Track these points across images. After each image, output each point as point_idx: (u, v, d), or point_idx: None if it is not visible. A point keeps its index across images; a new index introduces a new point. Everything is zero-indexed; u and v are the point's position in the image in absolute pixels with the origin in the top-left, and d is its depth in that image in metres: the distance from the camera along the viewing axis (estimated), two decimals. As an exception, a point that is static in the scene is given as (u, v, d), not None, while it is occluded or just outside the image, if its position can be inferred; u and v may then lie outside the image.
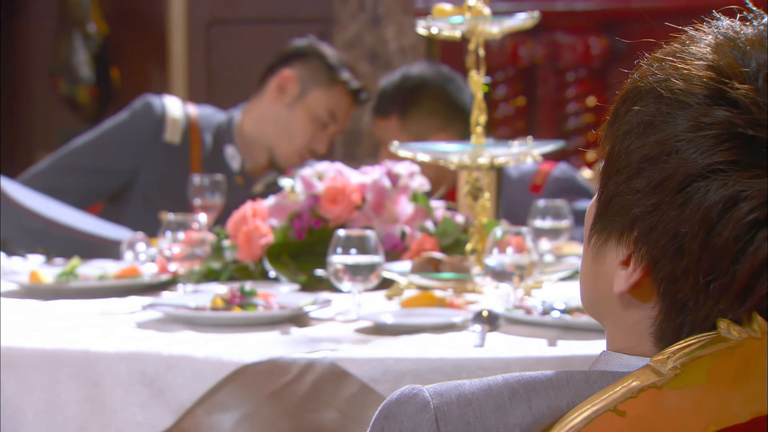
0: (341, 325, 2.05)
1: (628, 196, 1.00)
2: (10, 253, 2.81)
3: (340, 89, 3.14)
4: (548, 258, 2.58)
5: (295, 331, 2.01)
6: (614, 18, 4.62)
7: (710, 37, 1.02)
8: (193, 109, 3.21)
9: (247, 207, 2.51)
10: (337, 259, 2.10)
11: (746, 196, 0.96)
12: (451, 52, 4.44)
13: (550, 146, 2.36)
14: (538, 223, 2.67)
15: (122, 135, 3.13)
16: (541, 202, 2.69)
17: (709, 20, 1.04)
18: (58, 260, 2.75)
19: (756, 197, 0.95)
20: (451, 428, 0.99)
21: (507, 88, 4.72)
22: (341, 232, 2.11)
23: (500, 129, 4.61)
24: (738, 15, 1.03)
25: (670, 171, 0.98)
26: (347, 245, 2.10)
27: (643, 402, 0.97)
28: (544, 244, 2.65)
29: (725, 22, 1.03)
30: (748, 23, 1.02)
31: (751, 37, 1.00)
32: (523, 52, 4.68)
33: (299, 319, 2.08)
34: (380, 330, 2.00)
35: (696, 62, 1.00)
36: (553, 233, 2.67)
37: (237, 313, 2.05)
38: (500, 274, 2.13)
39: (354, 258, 2.09)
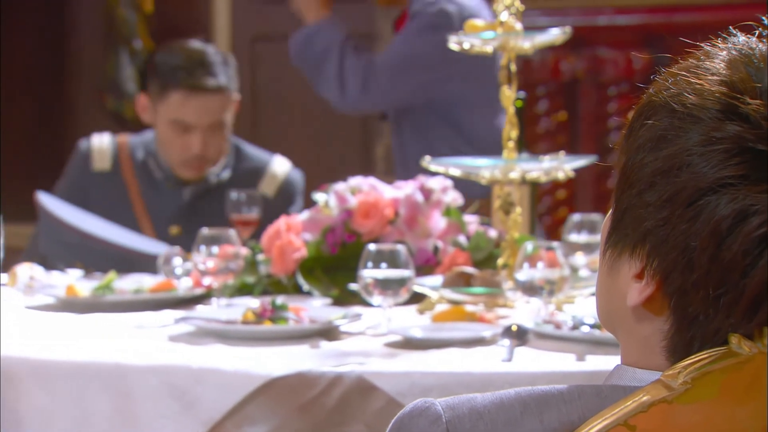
0: (371, 339, 2.06)
1: (640, 209, 1.01)
2: (49, 267, 2.84)
3: (172, 93, 3.14)
4: (583, 272, 2.58)
5: (324, 344, 2.02)
6: (656, 32, 4.60)
7: (725, 52, 1.02)
8: (125, 137, 3.30)
9: (281, 221, 2.53)
10: (368, 274, 2.11)
11: (756, 210, 0.96)
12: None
13: (581, 161, 2.36)
14: (573, 237, 2.66)
15: (62, 185, 3.24)
16: (576, 216, 2.68)
17: (726, 36, 1.04)
18: (96, 274, 2.78)
19: (765, 212, 0.96)
20: (463, 441, 1.00)
21: (548, 102, 4.71)
22: (372, 247, 2.12)
23: (541, 144, 4.60)
24: (755, 32, 1.03)
25: (681, 185, 0.98)
26: (378, 259, 2.11)
27: (654, 417, 0.97)
28: (580, 258, 2.64)
29: (741, 38, 1.03)
30: (764, 39, 1.02)
31: (765, 53, 1.00)
32: (564, 66, 4.68)
33: (329, 332, 2.09)
34: (409, 344, 2.00)
35: (709, 77, 1.00)
36: (589, 247, 2.66)
37: (267, 326, 2.07)
38: (530, 289, 2.13)
39: (384, 272, 2.10)
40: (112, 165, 3.21)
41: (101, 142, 3.23)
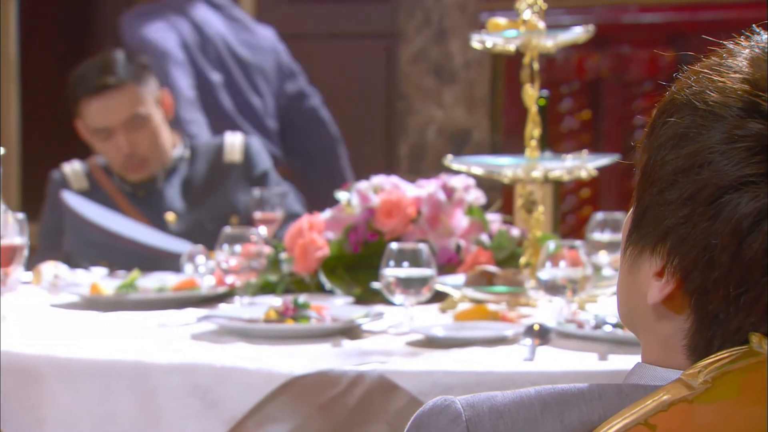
0: (393, 338, 2.06)
1: (661, 207, 1.00)
2: (74, 265, 2.86)
3: (82, 104, 3.20)
4: (606, 271, 2.57)
5: (346, 343, 2.02)
6: (681, 30, 4.58)
7: (747, 50, 1.02)
8: (93, 158, 3.36)
9: (304, 220, 2.53)
10: (390, 272, 2.11)
11: None
12: (517, 65, 4.44)
13: (603, 160, 2.35)
14: (597, 235, 2.66)
15: (47, 215, 3.26)
16: (600, 215, 2.68)
17: (749, 34, 1.04)
18: (120, 272, 2.79)
19: (787, 210, 0.95)
20: (483, 440, 0.99)
21: (572, 101, 4.70)
22: (394, 245, 2.12)
23: (565, 142, 4.59)
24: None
25: (703, 183, 0.98)
26: (400, 258, 2.11)
27: (674, 416, 0.97)
28: (603, 257, 2.63)
29: (764, 36, 1.02)
30: None
31: None
32: (588, 65, 4.66)
33: (351, 331, 2.09)
34: (431, 343, 2.00)
35: (732, 75, 1.00)
36: (612, 246, 2.65)
37: (289, 325, 2.07)
38: (553, 288, 2.12)
39: (406, 271, 2.10)
40: (89, 183, 3.26)
41: (72, 166, 3.30)
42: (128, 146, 3.17)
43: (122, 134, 3.17)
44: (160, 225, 3.18)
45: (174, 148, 3.30)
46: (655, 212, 1.01)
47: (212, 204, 3.24)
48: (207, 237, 2.73)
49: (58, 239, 3.13)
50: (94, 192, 3.25)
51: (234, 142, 3.31)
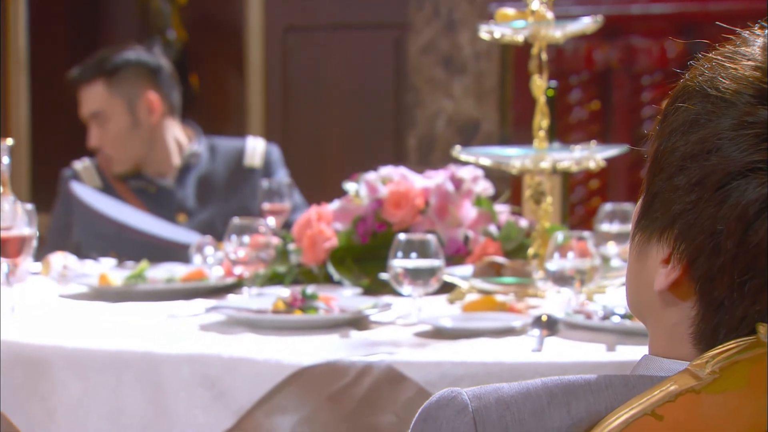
0: (401, 329, 2.06)
1: (669, 193, 1.01)
2: (83, 256, 2.86)
3: None
4: (615, 262, 2.57)
5: (354, 334, 2.02)
6: (691, 21, 4.56)
7: (761, 39, 1.02)
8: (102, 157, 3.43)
9: (312, 211, 2.53)
10: (398, 263, 2.11)
11: None
12: (526, 56, 4.42)
13: (612, 150, 2.35)
14: (605, 226, 2.66)
15: (60, 211, 3.29)
16: (609, 206, 2.67)
17: (764, 24, 1.03)
18: (129, 263, 2.80)
19: (794, 198, 0.95)
20: (490, 431, 0.99)
21: (581, 92, 4.69)
22: (402, 236, 2.12)
23: (574, 133, 4.58)
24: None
25: (711, 168, 0.98)
26: (408, 249, 2.11)
27: (681, 406, 0.97)
28: (612, 248, 2.63)
29: None
30: None
31: None
32: (597, 55, 4.65)
33: (359, 322, 2.09)
34: (439, 334, 2.00)
35: (745, 62, 1.00)
36: (621, 237, 2.65)
37: (297, 316, 2.07)
38: (561, 279, 2.12)
39: (414, 262, 2.10)
40: (102, 181, 3.33)
41: (83, 164, 3.37)
42: (94, 140, 3.30)
43: (92, 127, 3.31)
44: (171, 222, 3.20)
45: (181, 148, 3.33)
46: (664, 198, 1.01)
47: (226, 206, 3.27)
48: (216, 237, 2.73)
49: (68, 235, 3.15)
50: (107, 190, 3.29)
51: (255, 146, 3.38)
